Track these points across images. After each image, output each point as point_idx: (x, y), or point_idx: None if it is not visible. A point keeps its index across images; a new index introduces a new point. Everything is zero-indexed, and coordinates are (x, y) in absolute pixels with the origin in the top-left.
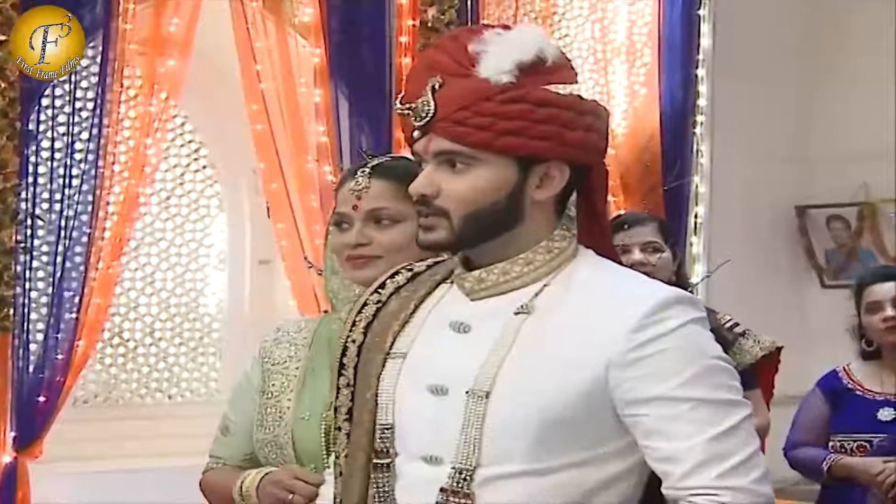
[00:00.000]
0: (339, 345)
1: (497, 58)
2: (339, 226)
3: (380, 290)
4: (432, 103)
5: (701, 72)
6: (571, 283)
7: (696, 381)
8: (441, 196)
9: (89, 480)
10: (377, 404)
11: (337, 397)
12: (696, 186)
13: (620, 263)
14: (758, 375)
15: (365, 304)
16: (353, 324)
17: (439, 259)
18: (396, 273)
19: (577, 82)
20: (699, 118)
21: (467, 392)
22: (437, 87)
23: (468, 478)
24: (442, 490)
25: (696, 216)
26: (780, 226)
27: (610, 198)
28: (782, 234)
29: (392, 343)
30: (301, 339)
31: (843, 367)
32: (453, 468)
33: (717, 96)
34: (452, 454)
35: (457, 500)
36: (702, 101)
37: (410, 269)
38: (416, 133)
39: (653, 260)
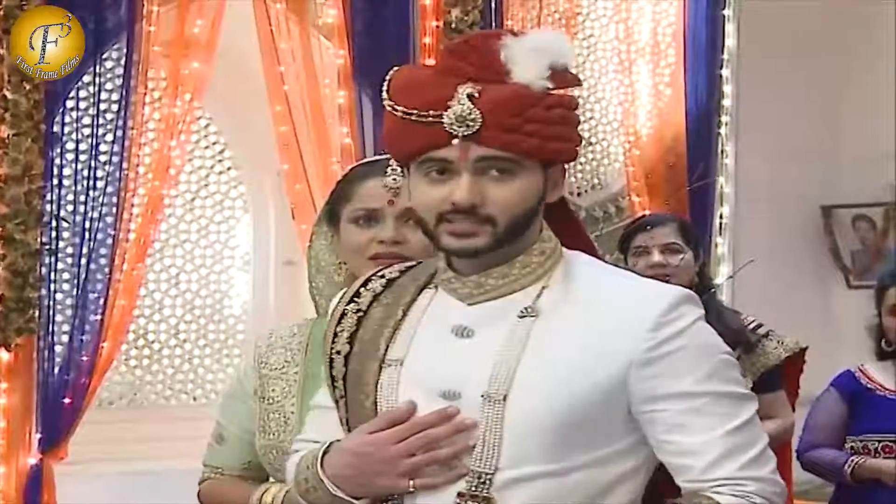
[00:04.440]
0: (324, 358)
1: (532, 63)
2: (368, 222)
3: (357, 299)
4: (477, 111)
5: (726, 72)
6: (571, 284)
7: (712, 376)
8: (487, 203)
9: (114, 482)
10: (377, 412)
11: (338, 409)
12: (721, 187)
13: (597, 257)
14: (782, 377)
15: (344, 314)
16: (335, 335)
17: (410, 265)
18: (368, 281)
19: (581, 84)
20: (724, 118)
21: (483, 395)
22: (475, 94)
23: (487, 481)
24: (460, 494)
25: (721, 216)
26: (806, 226)
27: (634, 198)
28: (808, 234)
29: (385, 350)
30: (296, 344)
31: (858, 368)
32: (472, 472)
33: (741, 96)
34: (470, 458)
35: (475, 503)
36: (726, 102)
37: (383, 276)
38: (430, 140)
39: (673, 261)
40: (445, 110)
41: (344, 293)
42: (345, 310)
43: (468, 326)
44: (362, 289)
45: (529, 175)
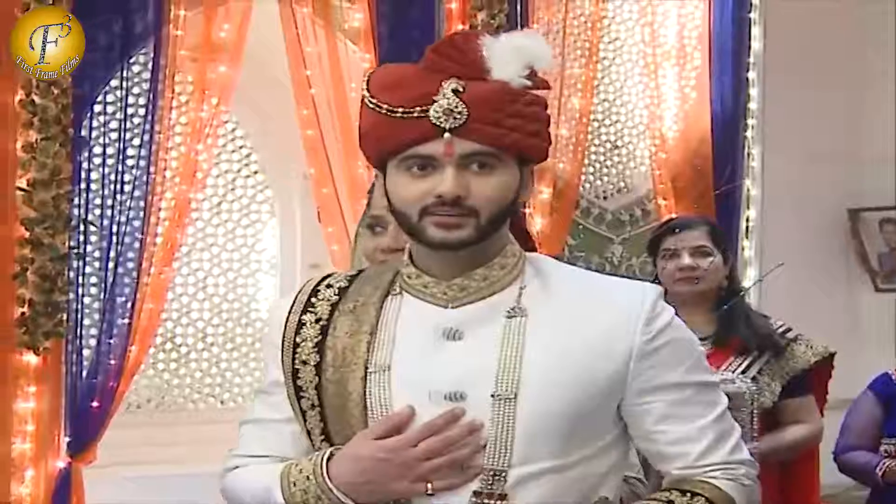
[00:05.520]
0: (284, 369)
1: (511, 61)
2: (373, 229)
3: (311, 309)
4: (462, 104)
5: (752, 75)
6: (547, 283)
7: (696, 367)
8: (471, 196)
9: (142, 485)
10: (367, 419)
11: (305, 421)
12: (748, 190)
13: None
14: (811, 382)
15: (301, 325)
16: (296, 345)
17: (353, 273)
18: (316, 290)
19: (549, 87)
20: (750, 121)
21: (493, 395)
22: (459, 89)
23: (502, 479)
24: (476, 493)
25: (747, 220)
26: (832, 229)
27: (661, 201)
28: (834, 237)
29: (367, 357)
30: None
31: None
32: (485, 471)
33: (767, 99)
34: (482, 457)
35: (492, 501)
36: (752, 105)
37: (330, 285)
38: (416, 135)
39: (703, 264)
40: (431, 105)
41: (293, 303)
42: (301, 319)
43: (457, 329)
44: (313, 298)
45: (508, 171)
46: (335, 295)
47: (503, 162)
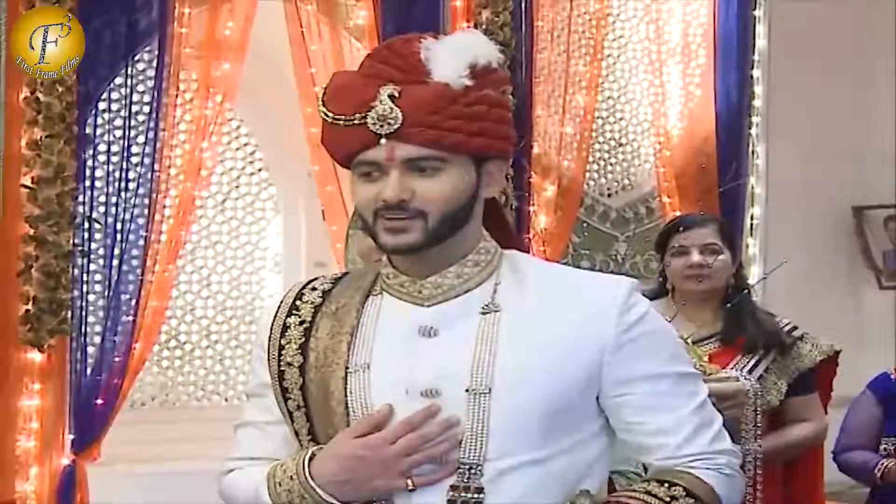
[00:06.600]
0: (270, 371)
1: (452, 63)
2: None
3: (296, 312)
4: (397, 110)
5: (756, 72)
6: (523, 278)
7: (674, 357)
8: (416, 199)
9: (147, 483)
10: (349, 418)
11: (293, 421)
12: (752, 187)
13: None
14: (816, 380)
15: (286, 327)
16: (281, 347)
17: (338, 276)
18: (302, 293)
19: (512, 84)
20: (755, 119)
21: (467, 390)
22: (395, 94)
23: (478, 472)
24: (453, 487)
25: (752, 217)
26: (837, 226)
27: (665, 199)
28: (839, 234)
29: (348, 357)
30: None
31: (895, 369)
32: (461, 465)
33: (772, 97)
34: (458, 452)
35: (468, 495)
36: (757, 102)
37: (315, 288)
38: (358, 143)
39: (711, 261)
40: (369, 112)
41: (279, 306)
42: (286, 322)
43: (432, 326)
44: (298, 301)
45: (458, 170)
46: (319, 297)
47: (451, 163)
